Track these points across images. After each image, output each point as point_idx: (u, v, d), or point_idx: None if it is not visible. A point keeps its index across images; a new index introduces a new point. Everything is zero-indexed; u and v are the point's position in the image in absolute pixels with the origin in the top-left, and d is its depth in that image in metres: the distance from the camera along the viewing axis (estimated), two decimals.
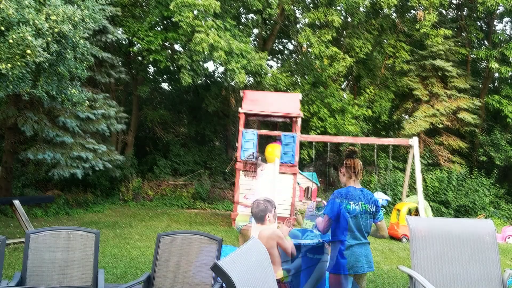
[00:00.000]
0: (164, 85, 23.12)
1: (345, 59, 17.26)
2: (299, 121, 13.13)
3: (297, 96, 13.91)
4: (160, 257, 4.32)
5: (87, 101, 11.40)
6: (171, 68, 19.23)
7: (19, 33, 6.61)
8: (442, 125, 18.87)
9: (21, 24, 6.81)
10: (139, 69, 18.86)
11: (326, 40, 16.67)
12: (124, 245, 9.22)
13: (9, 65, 6.59)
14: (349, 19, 20.33)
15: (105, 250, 8.43)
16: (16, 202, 9.03)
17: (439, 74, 19.06)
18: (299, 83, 19.36)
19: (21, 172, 15.84)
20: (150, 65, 19.60)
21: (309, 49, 17.85)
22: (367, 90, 20.40)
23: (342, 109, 19.03)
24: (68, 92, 9.62)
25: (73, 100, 10.25)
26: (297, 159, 12.69)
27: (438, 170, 18.87)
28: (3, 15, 6.54)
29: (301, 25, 19.52)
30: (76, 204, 14.23)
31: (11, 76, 6.96)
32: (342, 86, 22.35)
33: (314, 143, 16.59)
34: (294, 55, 23.19)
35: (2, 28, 6.62)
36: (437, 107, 18.67)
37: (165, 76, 21.85)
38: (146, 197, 16.46)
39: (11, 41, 6.61)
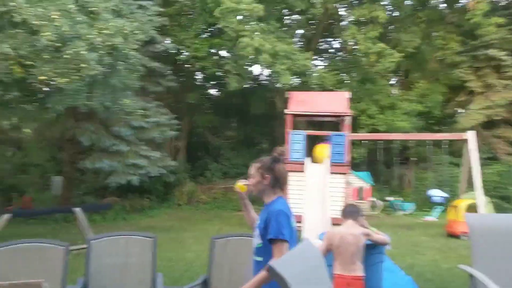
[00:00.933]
0: (212, 91, 23.50)
1: (393, 55, 16.85)
2: (348, 119, 12.94)
3: (344, 95, 13.73)
4: (215, 260, 4.40)
5: (139, 110, 11.82)
6: (218, 73, 19.53)
7: (73, 48, 6.94)
8: (499, 117, 18.01)
9: (75, 39, 7.16)
10: (187, 76, 19.29)
11: (372, 36, 16.35)
12: (180, 249, 9.43)
13: (66, 79, 6.93)
14: (395, 14, 19.82)
15: (162, 254, 8.63)
16: (77, 210, 9.48)
17: (493, 64, 18.21)
18: (346, 81, 19.09)
19: (81, 181, 16.58)
20: (197, 72, 19.98)
21: (355, 47, 17.56)
22: (417, 85, 19.80)
23: (392, 105, 18.59)
24: (122, 102, 10.01)
25: (127, 110, 10.65)
26: (348, 158, 12.52)
27: (497, 164, 18.02)
28: (59, 32, 6.89)
29: (346, 23, 19.25)
30: (133, 209, 14.70)
31: (68, 90, 7.32)
32: (391, 82, 21.82)
33: (365, 141, 16.31)
34: (340, 53, 22.90)
35: (59, 44, 6.98)
36: (492, 99, 17.84)
37: (212, 82, 22.20)
38: (199, 201, 16.77)
39: (67, 56, 6.96)
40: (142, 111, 12.88)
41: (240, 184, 3.34)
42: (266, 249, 2.86)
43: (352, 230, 4.38)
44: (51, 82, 6.89)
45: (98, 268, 4.38)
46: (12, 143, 18.47)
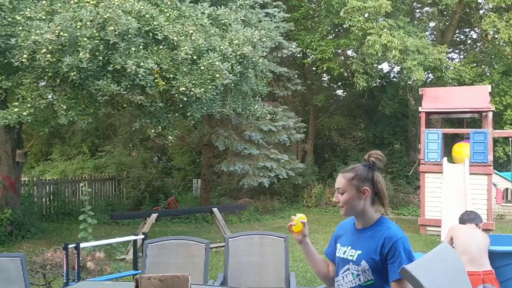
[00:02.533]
0: (339, 92, 23.31)
1: None
2: (490, 115, 11.88)
3: (485, 89, 12.65)
4: None
5: (268, 115, 12.27)
6: (345, 74, 19.32)
7: (208, 60, 7.46)
8: None
9: (209, 51, 7.70)
10: (313, 79, 19.43)
11: None
12: None
13: (202, 89, 7.48)
14: None
15: (294, 255, 8.82)
16: (215, 210, 10.18)
17: None
18: (487, 74, 17.52)
19: (217, 183, 17.67)
20: (324, 74, 20.00)
21: (495, 36, 16.02)
22: None
23: None
24: (252, 108, 10.49)
25: (256, 115, 11.15)
26: (490, 157, 11.49)
27: None
28: (195, 46, 7.48)
29: (484, 11, 17.65)
30: (265, 210, 15.21)
31: (204, 98, 7.89)
32: None
33: (511, 139, 14.78)
34: (478, 44, 21.08)
35: (195, 57, 7.57)
36: None
37: (339, 83, 22.03)
38: (328, 203, 16.72)
39: (202, 68, 7.51)
40: (271, 115, 13.35)
41: (296, 219, 2.55)
42: (381, 285, 2.30)
43: (476, 229, 4.39)
44: (190, 93, 7.48)
45: (235, 265, 4.65)
46: (157, 149, 20.46)
